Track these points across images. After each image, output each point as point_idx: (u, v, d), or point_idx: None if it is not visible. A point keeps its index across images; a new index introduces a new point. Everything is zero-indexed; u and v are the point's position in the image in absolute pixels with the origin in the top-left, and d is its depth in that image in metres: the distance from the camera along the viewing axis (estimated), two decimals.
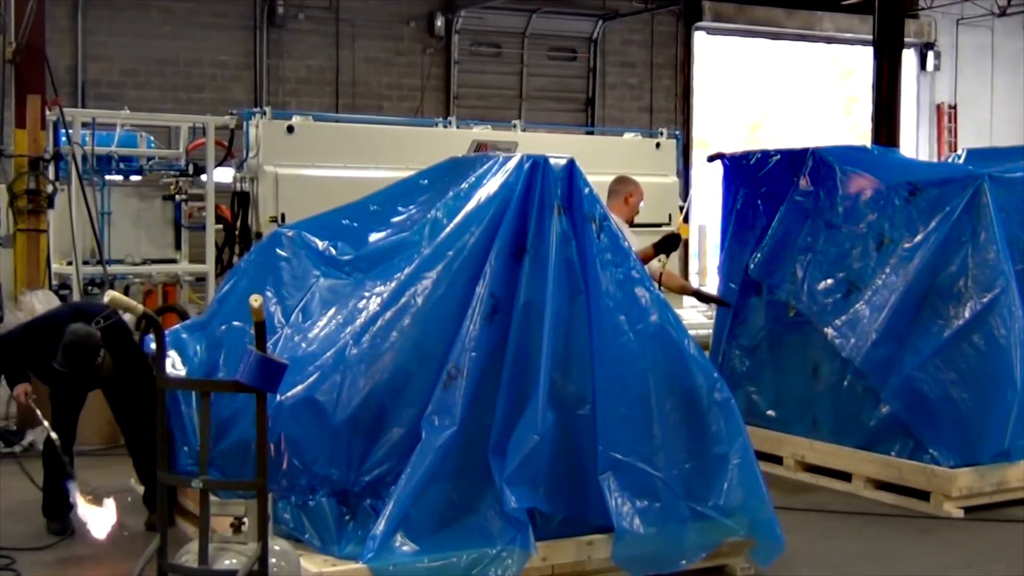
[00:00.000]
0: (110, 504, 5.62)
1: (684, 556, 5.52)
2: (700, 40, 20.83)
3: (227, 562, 4.48)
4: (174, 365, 6.06)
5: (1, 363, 6.32)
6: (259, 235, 9.93)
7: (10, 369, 6.32)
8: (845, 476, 7.60)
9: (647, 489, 5.44)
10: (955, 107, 22.96)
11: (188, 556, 4.58)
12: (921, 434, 7.21)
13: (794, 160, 8.32)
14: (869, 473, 7.45)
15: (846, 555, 6.32)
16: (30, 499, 6.74)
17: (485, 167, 5.84)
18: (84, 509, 5.76)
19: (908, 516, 7.05)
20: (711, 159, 8.93)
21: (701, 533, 5.55)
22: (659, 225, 11.96)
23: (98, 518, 5.71)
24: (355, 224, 6.35)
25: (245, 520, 4.58)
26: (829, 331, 7.74)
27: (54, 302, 8.62)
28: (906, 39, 17.27)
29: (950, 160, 10.21)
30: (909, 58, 21.66)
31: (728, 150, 9.06)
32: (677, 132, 13.60)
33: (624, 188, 7.91)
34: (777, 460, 7.93)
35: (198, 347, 6.40)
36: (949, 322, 7.24)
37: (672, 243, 7.94)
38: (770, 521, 5.68)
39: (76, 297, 9.44)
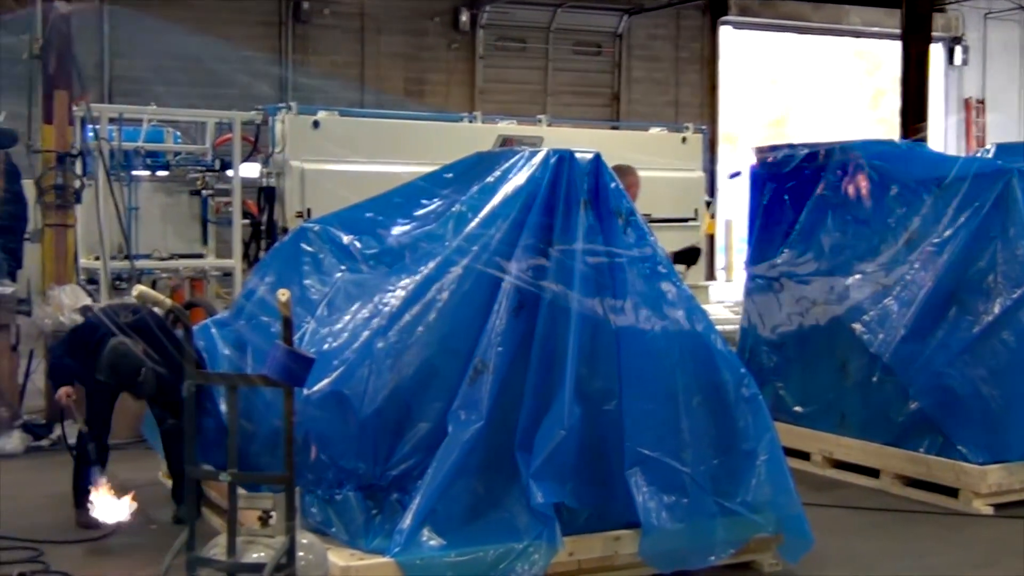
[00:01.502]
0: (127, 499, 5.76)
1: (712, 552, 5.49)
2: (726, 34, 20.75)
3: (255, 555, 4.50)
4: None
5: (50, 369, 6.47)
6: (285, 230, 9.95)
7: (57, 374, 6.45)
8: (873, 473, 7.55)
9: (674, 485, 5.42)
10: (983, 101, 22.81)
11: (216, 549, 4.59)
12: (950, 430, 7.16)
13: (821, 155, 8.28)
14: (897, 469, 7.40)
15: (874, 552, 6.28)
16: (58, 492, 6.77)
17: (511, 162, 5.83)
18: (103, 500, 5.85)
19: (936, 513, 7.00)
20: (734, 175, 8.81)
21: (729, 529, 5.52)
22: (685, 220, 11.93)
23: (115, 509, 5.81)
24: (380, 218, 6.35)
25: (272, 513, 4.59)
26: (857, 327, 7.70)
27: (82, 297, 8.65)
28: (933, 33, 17.14)
29: (979, 154, 10.14)
30: (937, 52, 21.52)
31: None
32: (703, 127, 13.54)
33: (628, 179, 7.55)
34: (805, 456, 7.89)
35: (226, 342, 6.42)
36: (978, 318, 7.19)
37: (693, 256, 7.88)
38: (798, 517, 5.66)
39: (104, 292, 9.48)
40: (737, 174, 8.71)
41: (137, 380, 5.97)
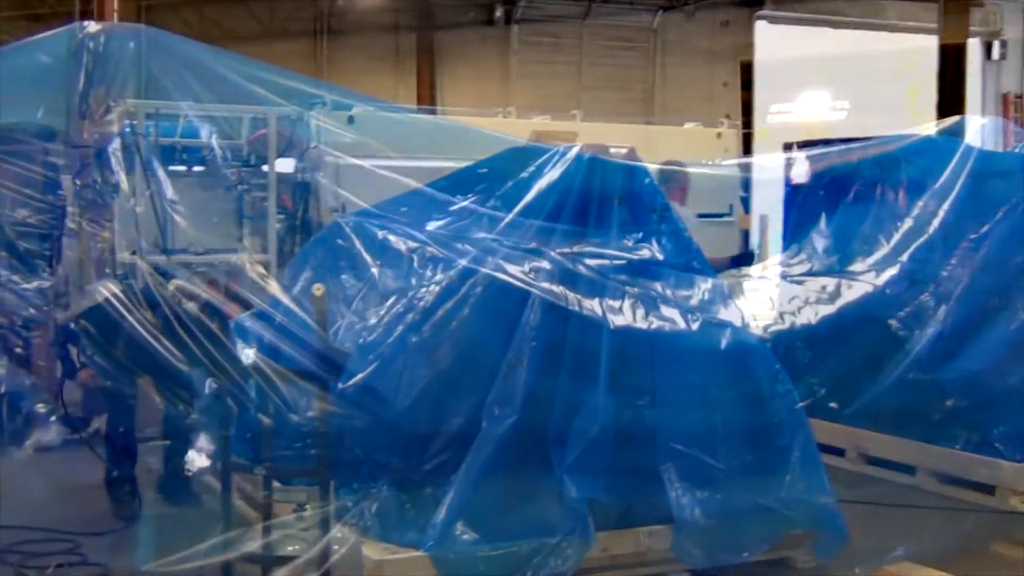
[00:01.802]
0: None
1: (745, 548, 5.47)
2: (761, 29, 20.66)
3: (289, 548, 4.52)
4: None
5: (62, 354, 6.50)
6: (320, 225, 9.98)
7: (70, 359, 6.48)
8: (909, 469, 7.51)
9: (707, 480, 5.41)
10: (1021, 96, 22.61)
11: (250, 542, 4.62)
12: (986, 428, 7.11)
13: (857, 150, 8.23)
14: (933, 466, 7.35)
15: (909, 549, 6.24)
16: (95, 484, 6.83)
17: (545, 157, 5.83)
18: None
19: (973, 510, 6.95)
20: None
21: (762, 525, 5.51)
22: (720, 215, 11.87)
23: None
24: (414, 213, 6.36)
25: (306, 507, 4.61)
26: (893, 323, 7.66)
27: (119, 292, 8.70)
28: (971, 28, 17.01)
29: (1017, 150, 10.05)
30: (974, 47, 21.33)
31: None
32: (738, 122, 13.50)
33: (678, 179, 7.71)
34: (839, 452, 7.85)
35: (261, 335, 6.44)
36: (1015, 314, 7.15)
37: (748, 261, 7.95)
38: (833, 514, 5.63)
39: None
40: (794, 186, 8.67)
41: (157, 360, 5.96)
